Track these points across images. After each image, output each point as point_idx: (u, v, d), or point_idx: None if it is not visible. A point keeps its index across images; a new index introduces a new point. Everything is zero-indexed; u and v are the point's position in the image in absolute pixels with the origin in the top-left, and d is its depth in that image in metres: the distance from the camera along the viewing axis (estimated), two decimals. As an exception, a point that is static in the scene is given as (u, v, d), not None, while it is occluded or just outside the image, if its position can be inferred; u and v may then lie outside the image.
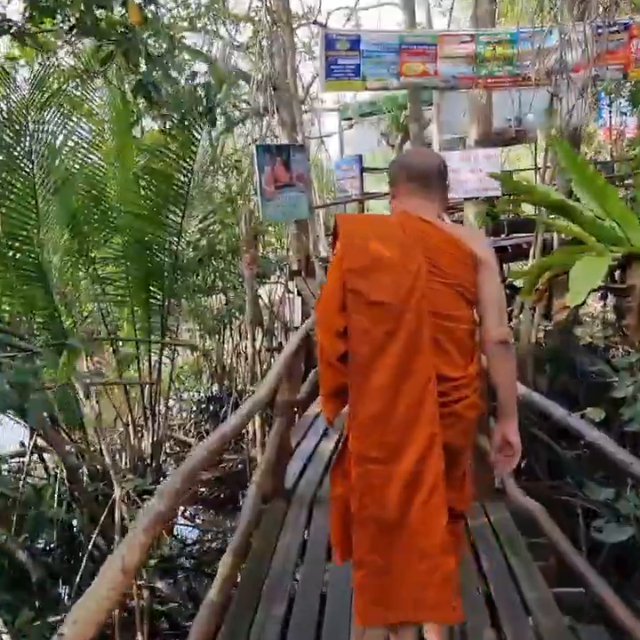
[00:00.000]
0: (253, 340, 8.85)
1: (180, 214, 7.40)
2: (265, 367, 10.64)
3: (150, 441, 8.37)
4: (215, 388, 10.83)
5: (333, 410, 2.32)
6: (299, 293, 9.94)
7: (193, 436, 10.07)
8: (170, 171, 7.47)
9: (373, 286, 2.16)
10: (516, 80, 7.65)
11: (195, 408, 10.46)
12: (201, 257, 8.57)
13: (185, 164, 7.28)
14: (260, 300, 10.27)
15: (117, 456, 7.94)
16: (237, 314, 9.82)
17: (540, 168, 14.97)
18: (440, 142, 10.13)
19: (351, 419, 2.20)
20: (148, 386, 8.30)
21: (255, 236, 5.62)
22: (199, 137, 7.06)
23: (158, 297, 8.26)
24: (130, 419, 8.25)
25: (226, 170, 9.39)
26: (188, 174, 7.24)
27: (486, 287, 2.24)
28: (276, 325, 10.59)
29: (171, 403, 10.59)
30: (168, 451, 9.58)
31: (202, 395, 10.55)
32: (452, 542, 2.22)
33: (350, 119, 13.99)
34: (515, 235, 11.76)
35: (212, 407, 10.48)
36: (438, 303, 2.17)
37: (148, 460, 8.35)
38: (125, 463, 8.00)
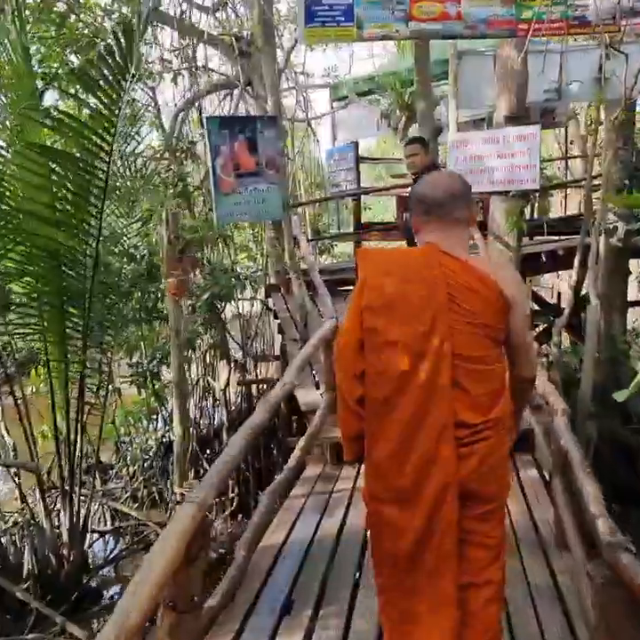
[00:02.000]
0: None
1: (96, 215, 5.25)
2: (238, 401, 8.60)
3: (67, 525, 6.25)
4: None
5: (354, 453, 2.35)
6: (275, 315, 7.80)
7: (141, 500, 7.89)
8: (86, 155, 5.31)
9: (391, 325, 2.14)
10: (572, 26, 5.48)
11: (147, 460, 8.30)
12: (143, 272, 6.42)
13: (102, 144, 5.11)
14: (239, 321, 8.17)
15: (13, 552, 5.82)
16: (198, 340, 7.68)
17: (578, 156, 13.02)
18: (457, 124, 8.01)
19: (366, 458, 2.24)
20: (66, 443, 6.21)
21: (182, 250, 3.57)
22: (121, 100, 4.87)
23: (79, 328, 6.13)
24: (38, 495, 6.14)
25: (179, 155, 7.25)
26: (107, 158, 5.08)
27: (516, 328, 2.19)
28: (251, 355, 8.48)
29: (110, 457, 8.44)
30: (102, 529, 7.43)
31: (154, 442, 8.39)
32: (489, 587, 2.19)
33: (344, 98, 11.83)
34: (548, 238, 9.61)
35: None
36: (461, 344, 2.11)
37: (66, 553, 6.24)
38: (29, 564, 5.87)
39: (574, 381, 7.84)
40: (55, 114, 5.46)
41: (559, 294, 12.58)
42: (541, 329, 11.03)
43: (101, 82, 4.76)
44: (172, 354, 3.84)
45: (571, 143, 14.10)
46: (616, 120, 6.74)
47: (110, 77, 4.72)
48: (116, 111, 4.89)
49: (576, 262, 7.97)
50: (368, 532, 2.30)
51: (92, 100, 4.97)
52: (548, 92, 8.00)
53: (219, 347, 7.79)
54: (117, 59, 4.47)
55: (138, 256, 6.53)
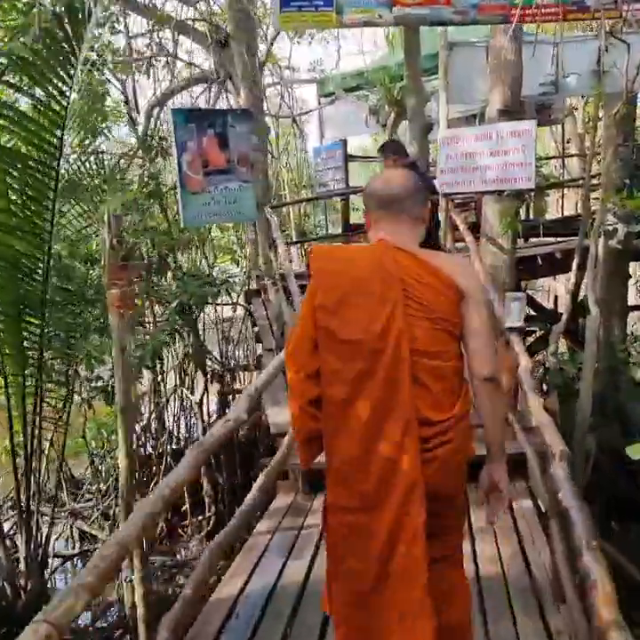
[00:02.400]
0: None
1: (48, 217, 4.79)
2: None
3: (25, 551, 5.78)
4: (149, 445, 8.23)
5: (309, 457, 2.26)
6: (254, 323, 7.35)
7: (113, 519, 7.42)
8: (36, 153, 4.85)
9: (345, 323, 2.10)
10: (570, 12, 5.05)
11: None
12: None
13: (51, 139, 4.64)
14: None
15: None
16: (169, 348, 7.21)
17: (576, 154, 12.59)
18: (448, 120, 7.55)
19: (328, 466, 2.15)
20: (26, 460, 5.77)
21: (126, 257, 3.12)
22: (71, 90, 4.40)
23: (34, 338, 5.69)
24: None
25: (151, 153, 6.78)
26: (56, 152, 4.61)
27: (471, 321, 2.12)
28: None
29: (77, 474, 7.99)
30: (67, 553, 6.97)
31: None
32: (446, 593, 2.15)
33: (331, 95, 11.36)
34: (544, 240, 9.17)
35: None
36: (419, 340, 2.08)
37: (23, 583, 5.78)
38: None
39: (573, 391, 7.41)
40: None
41: (556, 298, 12.15)
42: (538, 336, 10.60)
43: (45, 70, 4.29)
44: (116, 376, 3.38)
45: (568, 142, 13.69)
46: (617, 114, 6.29)
47: (55, 65, 4.24)
48: (65, 103, 4.42)
49: (574, 265, 7.53)
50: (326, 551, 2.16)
51: (39, 92, 4.50)
52: (544, 85, 7.57)
53: (194, 356, 7.33)
54: (63, 44, 4.01)
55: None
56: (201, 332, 7.86)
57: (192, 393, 7.93)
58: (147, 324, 7.54)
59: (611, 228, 7.72)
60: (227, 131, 5.44)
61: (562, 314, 11.25)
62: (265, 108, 9.94)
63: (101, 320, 5.74)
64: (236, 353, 8.94)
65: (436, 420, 2.07)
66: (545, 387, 8.95)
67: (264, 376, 3.96)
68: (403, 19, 5.37)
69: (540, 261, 8.63)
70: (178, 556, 6.99)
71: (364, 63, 12.48)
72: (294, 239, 10.62)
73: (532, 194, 7.39)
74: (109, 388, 6.67)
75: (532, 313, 10.54)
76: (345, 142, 11.63)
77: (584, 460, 6.62)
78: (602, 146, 8.04)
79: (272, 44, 9.90)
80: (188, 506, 7.17)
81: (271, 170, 9.72)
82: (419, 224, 2.25)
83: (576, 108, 12.43)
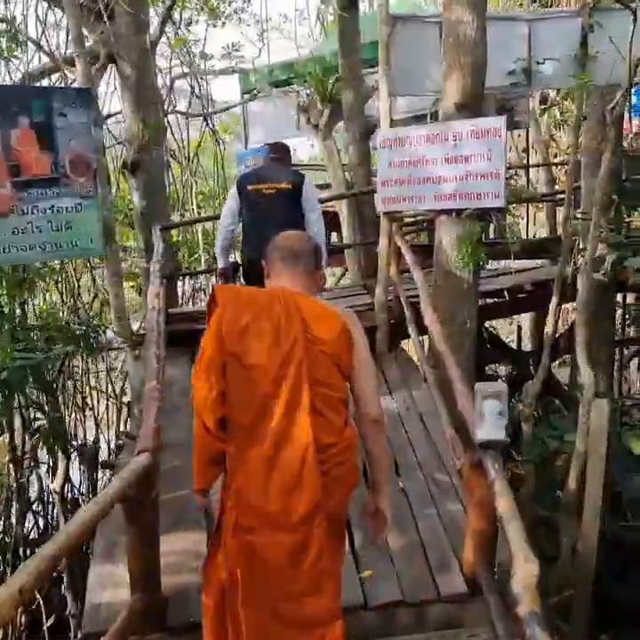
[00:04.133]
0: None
1: None
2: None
3: None
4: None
5: (208, 479, 2.39)
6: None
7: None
8: None
9: (250, 350, 2.26)
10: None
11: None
12: None
13: None
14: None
15: None
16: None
17: (542, 164, 11.09)
18: (391, 118, 5.83)
19: (228, 488, 2.27)
20: None
21: None
22: None
23: None
24: None
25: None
26: None
27: (360, 366, 2.39)
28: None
29: None
30: None
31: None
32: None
33: (255, 92, 9.62)
34: (507, 267, 7.57)
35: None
36: (316, 371, 2.29)
37: None
38: None
39: (555, 475, 5.81)
40: None
41: (519, 330, 10.61)
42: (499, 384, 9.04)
43: None
44: None
45: (523, 151, 12.26)
46: (613, 111, 4.71)
47: None
48: None
49: (553, 302, 5.95)
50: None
51: None
52: (514, 74, 5.98)
53: (51, 432, 5.46)
54: None
55: None
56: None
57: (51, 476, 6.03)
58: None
59: (597, 256, 6.20)
60: (53, 120, 3.64)
61: (528, 352, 9.82)
62: (169, 100, 8.16)
63: None
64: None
65: (332, 443, 2.28)
66: (513, 453, 7.35)
67: (93, 507, 2.17)
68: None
69: (507, 295, 7.02)
70: None
71: (298, 55, 10.76)
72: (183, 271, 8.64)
73: (502, 211, 5.76)
74: None
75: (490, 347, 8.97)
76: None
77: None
78: (583, 152, 6.50)
79: (188, 24, 8.12)
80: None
81: (176, 178, 7.98)
82: (315, 283, 2.54)
83: (547, 105, 10.94)
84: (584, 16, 5.82)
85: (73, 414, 6.63)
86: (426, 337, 5.58)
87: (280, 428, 2.21)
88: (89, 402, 7.14)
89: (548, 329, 6.00)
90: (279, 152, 5.30)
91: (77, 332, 4.95)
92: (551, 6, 6.79)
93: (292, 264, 2.45)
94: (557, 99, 12.48)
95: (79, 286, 6.95)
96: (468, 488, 3.11)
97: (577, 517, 5.29)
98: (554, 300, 5.99)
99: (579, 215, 6.64)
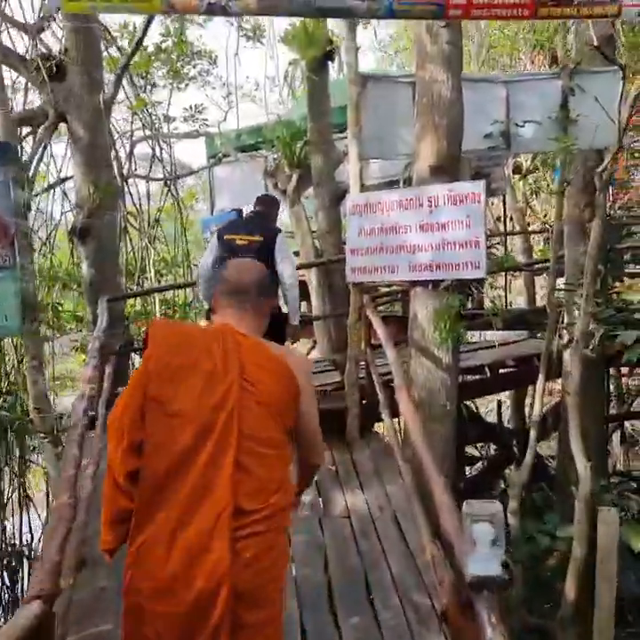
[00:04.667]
0: None
1: None
2: None
3: None
4: None
5: (113, 540, 2.12)
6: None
7: None
8: None
9: (177, 395, 2.04)
10: (543, 5, 3.04)
11: None
12: None
13: None
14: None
15: None
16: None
17: (519, 232, 10.84)
18: (362, 184, 5.41)
19: (131, 545, 2.01)
20: None
21: None
22: None
23: None
24: None
25: None
26: None
27: (305, 415, 2.22)
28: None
29: None
30: None
31: None
32: None
33: (220, 155, 9.26)
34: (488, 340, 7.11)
35: None
36: (250, 423, 2.06)
37: None
38: None
39: (547, 577, 5.19)
40: None
41: (499, 405, 10.06)
42: (479, 470, 8.42)
43: None
44: None
45: (498, 219, 12.03)
46: (602, 175, 4.32)
47: None
48: None
49: (540, 380, 5.45)
50: None
51: None
52: (491, 137, 5.63)
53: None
54: None
55: None
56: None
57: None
58: None
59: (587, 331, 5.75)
60: (-39, 178, 3.12)
61: (511, 431, 9.28)
62: (130, 164, 7.73)
63: None
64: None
65: (251, 510, 2.01)
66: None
67: None
68: (265, 7, 3.23)
69: (488, 372, 6.51)
70: None
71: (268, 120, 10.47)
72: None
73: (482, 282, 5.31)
74: None
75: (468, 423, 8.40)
76: (239, 212, 9.50)
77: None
78: (566, 220, 6.12)
79: (151, 85, 7.75)
80: None
81: (134, 246, 7.49)
82: (263, 317, 2.33)
83: (521, 174, 10.72)
84: (564, 78, 5.53)
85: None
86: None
87: (196, 486, 1.98)
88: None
89: (535, 409, 5.47)
90: (264, 205, 5.32)
91: None
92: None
93: (237, 299, 2.26)
94: (531, 167, 12.40)
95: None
96: (454, 633, 2.50)
97: (576, 631, 4.67)
98: (540, 377, 5.50)
99: (562, 286, 6.22)
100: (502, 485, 8.12)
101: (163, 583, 1.94)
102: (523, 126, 5.46)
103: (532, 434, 5.32)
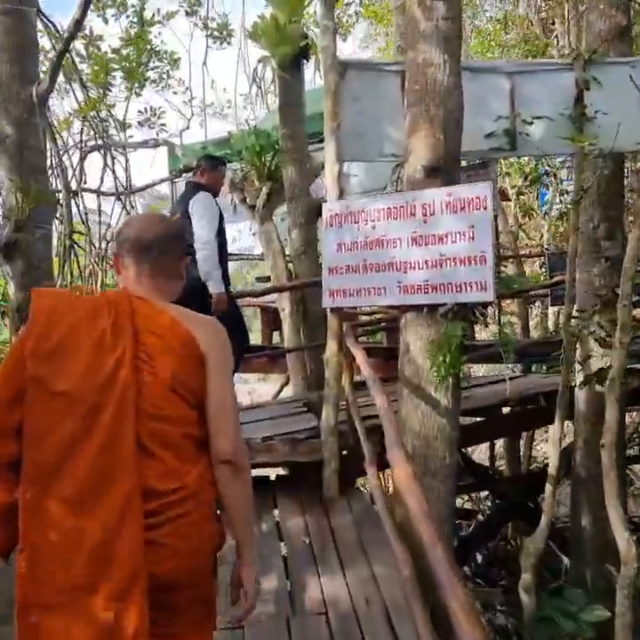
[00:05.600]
0: None
1: None
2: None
3: None
4: None
5: None
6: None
7: None
8: None
9: (60, 373, 1.84)
10: None
11: None
12: None
13: None
14: None
15: None
16: None
17: (536, 255, 9.94)
18: (342, 193, 4.56)
19: (22, 547, 1.77)
20: None
21: None
22: None
23: None
24: None
25: None
26: None
27: (215, 392, 1.92)
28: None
29: None
30: None
31: None
32: None
33: (188, 169, 8.42)
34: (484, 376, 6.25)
35: None
36: (148, 399, 1.85)
37: None
38: None
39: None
40: None
41: (491, 447, 9.12)
42: (472, 527, 7.41)
43: None
44: None
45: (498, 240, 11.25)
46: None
47: None
48: None
49: (557, 421, 4.59)
50: None
51: None
52: (494, 136, 4.78)
53: None
54: None
55: None
56: None
57: None
58: None
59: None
60: None
61: (512, 479, 8.31)
62: (81, 175, 6.80)
63: None
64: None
65: (165, 490, 1.80)
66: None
67: None
68: None
69: (486, 414, 5.61)
70: None
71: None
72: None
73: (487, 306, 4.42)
74: None
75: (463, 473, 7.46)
76: (206, 233, 8.60)
77: None
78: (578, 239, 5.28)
79: (107, 89, 6.82)
80: None
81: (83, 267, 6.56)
82: (172, 279, 2.09)
83: (508, 199, 9.95)
84: (578, 70, 4.74)
85: None
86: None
87: (94, 475, 1.74)
88: None
89: (553, 459, 4.57)
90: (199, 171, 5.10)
91: None
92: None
93: (138, 258, 2.03)
94: (517, 191, 11.68)
95: None
96: None
97: None
98: (558, 417, 4.61)
99: (575, 313, 5.38)
100: (502, 545, 7.16)
101: (68, 594, 1.71)
102: (531, 124, 4.64)
103: (549, 490, 4.42)
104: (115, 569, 1.71)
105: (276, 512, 4.38)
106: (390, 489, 5.30)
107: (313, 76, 7.91)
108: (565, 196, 9.81)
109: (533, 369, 8.76)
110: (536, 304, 10.89)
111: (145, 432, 1.81)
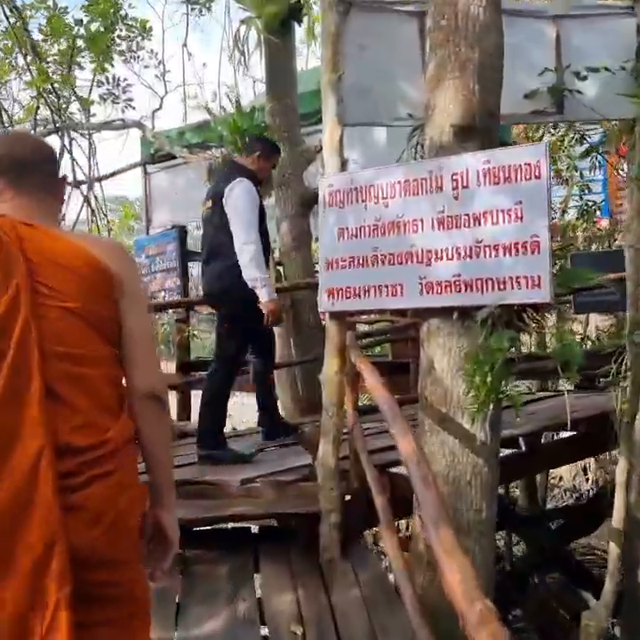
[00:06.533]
0: None
1: None
2: None
3: None
4: None
5: None
6: None
7: None
8: None
9: None
10: None
11: None
12: None
13: None
14: None
15: None
16: None
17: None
18: (333, 156, 3.65)
19: None
20: None
21: None
22: None
23: None
24: None
25: None
26: None
27: (129, 320, 1.78)
28: None
29: None
30: None
31: None
32: None
33: (164, 157, 7.52)
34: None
35: None
36: (56, 337, 1.66)
37: None
38: None
39: None
40: None
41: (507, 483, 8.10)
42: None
43: None
44: None
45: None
46: None
47: None
48: None
49: (622, 461, 3.66)
50: None
51: None
52: (536, 96, 3.83)
53: None
54: None
55: None
56: None
57: None
58: None
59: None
60: None
61: (535, 519, 7.21)
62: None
63: None
64: None
65: (84, 446, 1.62)
66: None
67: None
68: None
69: (523, 446, 4.64)
70: None
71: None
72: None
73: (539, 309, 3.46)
74: None
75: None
76: (182, 231, 7.73)
77: None
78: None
79: (73, 64, 5.83)
80: None
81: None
82: (55, 200, 1.92)
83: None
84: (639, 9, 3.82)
85: None
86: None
87: None
88: None
89: (617, 504, 3.59)
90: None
91: None
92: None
93: (17, 177, 1.80)
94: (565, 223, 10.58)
95: None
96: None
97: None
98: (623, 454, 3.65)
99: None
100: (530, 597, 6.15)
101: None
102: (585, 78, 3.69)
103: (615, 552, 3.42)
104: (28, 535, 1.52)
105: (258, 582, 3.37)
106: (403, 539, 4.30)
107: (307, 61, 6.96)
108: (587, 192, 8.93)
109: (554, 387, 7.91)
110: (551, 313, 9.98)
111: (54, 376, 1.61)
